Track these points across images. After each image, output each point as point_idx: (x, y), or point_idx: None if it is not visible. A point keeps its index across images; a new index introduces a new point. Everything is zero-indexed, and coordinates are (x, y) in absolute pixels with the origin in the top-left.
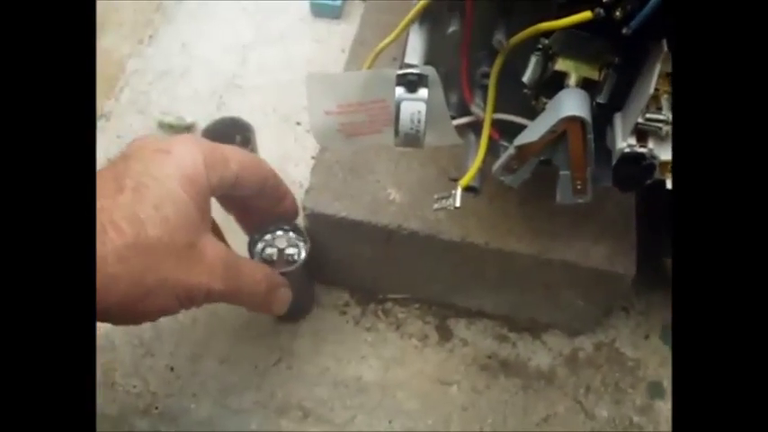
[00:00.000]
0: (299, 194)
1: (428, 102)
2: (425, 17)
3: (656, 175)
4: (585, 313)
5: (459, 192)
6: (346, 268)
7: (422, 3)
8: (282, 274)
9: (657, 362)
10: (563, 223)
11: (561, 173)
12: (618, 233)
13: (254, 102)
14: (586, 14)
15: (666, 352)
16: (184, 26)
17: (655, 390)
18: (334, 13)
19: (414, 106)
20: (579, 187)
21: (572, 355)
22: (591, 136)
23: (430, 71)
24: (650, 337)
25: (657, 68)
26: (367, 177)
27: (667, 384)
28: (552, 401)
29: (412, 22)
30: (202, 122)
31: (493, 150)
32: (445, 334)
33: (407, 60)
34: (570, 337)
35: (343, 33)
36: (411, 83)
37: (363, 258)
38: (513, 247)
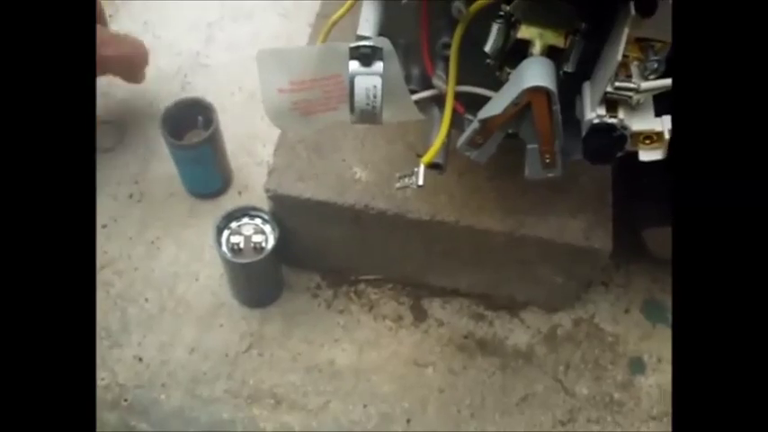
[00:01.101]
0: (265, 177)
1: (384, 75)
2: None
3: (628, 146)
4: (564, 289)
5: (421, 169)
6: (316, 250)
7: None
8: (251, 264)
9: (638, 336)
10: (537, 198)
11: (528, 146)
12: (594, 207)
13: (219, 80)
14: None
15: (647, 326)
16: (146, 4)
17: (635, 365)
18: None
19: (369, 81)
20: (548, 161)
21: (551, 332)
22: (557, 107)
23: (384, 43)
24: (630, 311)
25: (625, 33)
26: (332, 156)
27: (648, 359)
28: (531, 380)
29: None
30: (166, 102)
31: (458, 124)
32: (420, 314)
33: (360, 32)
34: (548, 314)
35: (311, 7)
36: (365, 56)
37: (332, 239)
38: (486, 225)
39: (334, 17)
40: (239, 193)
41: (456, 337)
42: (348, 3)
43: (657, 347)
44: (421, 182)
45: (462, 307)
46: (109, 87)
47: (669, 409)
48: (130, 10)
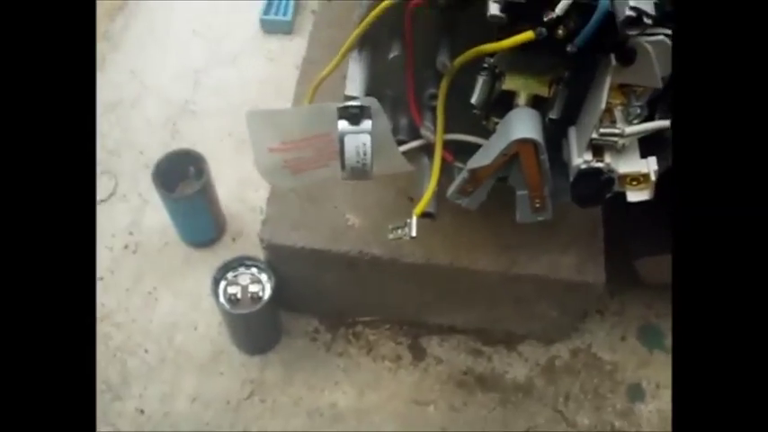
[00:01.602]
0: (258, 222)
1: (372, 132)
2: (365, 44)
3: (616, 188)
4: (560, 322)
5: (414, 221)
6: (312, 295)
7: (356, 32)
8: (249, 314)
9: (635, 363)
10: (529, 235)
11: (518, 193)
12: (585, 241)
13: (208, 127)
14: (528, 35)
15: (644, 352)
16: (132, 53)
17: (634, 392)
18: (286, 29)
19: (358, 139)
20: (538, 205)
21: (549, 364)
22: (545, 156)
23: (371, 102)
24: (627, 339)
25: (607, 82)
26: (324, 204)
27: (646, 386)
28: (532, 413)
29: (350, 50)
30: (157, 153)
31: (448, 172)
32: (418, 353)
33: (347, 92)
34: (546, 346)
35: (297, 49)
36: (353, 116)
37: (329, 285)
38: (480, 265)
39: (320, 77)
40: (233, 239)
41: (455, 373)
42: (334, 61)
43: (655, 373)
44: (414, 233)
45: (460, 343)
46: (100, 137)
47: None
48: (116, 58)
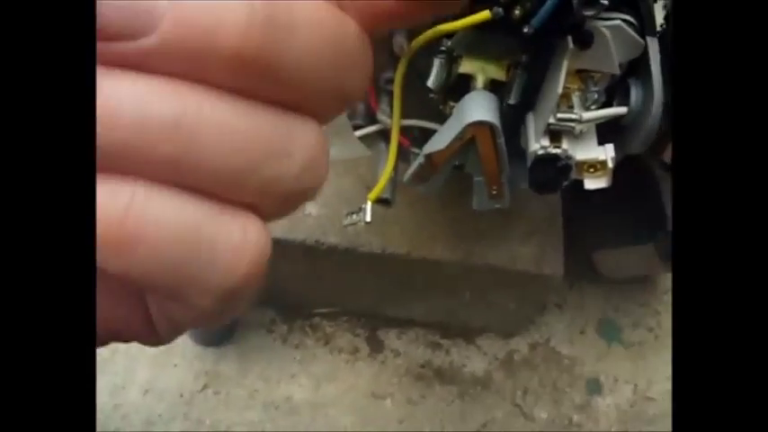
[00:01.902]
0: None
1: None
2: None
3: (573, 175)
4: (518, 314)
5: (368, 206)
6: (269, 285)
7: None
8: None
9: (594, 357)
10: (488, 224)
11: (475, 179)
12: (544, 232)
13: None
14: (484, 14)
15: (602, 346)
16: None
17: (592, 386)
18: None
19: None
20: (495, 192)
21: (507, 357)
22: (501, 140)
23: None
24: (586, 332)
25: (564, 66)
26: None
27: (604, 380)
28: (490, 407)
29: None
30: None
31: (405, 157)
32: (376, 345)
33: None
34: (505, 339)
35: None
36: None
37: (285, 275)
38: (438, 255)
39: None
40: None
41: (413, 366)
42: None
43: (613, 367)
44: (368, 218)
45: (418, 336)
46: None
47: (627, 427)
48: None
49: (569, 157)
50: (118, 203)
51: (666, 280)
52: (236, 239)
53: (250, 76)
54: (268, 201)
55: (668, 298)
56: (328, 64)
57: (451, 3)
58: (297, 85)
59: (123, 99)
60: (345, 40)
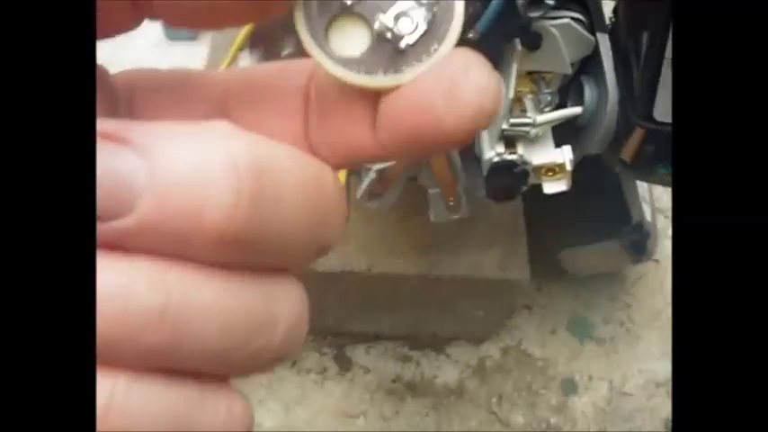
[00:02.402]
0: None
1: None
2: (257, 42)
3: (532, 180)
4: (487, 320)
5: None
6: None
7: (247, 28)
8: None
9: (567, 356)
10: (449, 234)
11: (430, 191)
12: (507, 237)
13: None
14: None
15: (575, 344)
16: None
17: (568, 386)
18: (190, 35)
19: None
20: (452, 204)
21: (479, 364)
22: (454, 151)
23: None
24: (557, 332)
25: (514, 69)
26: None
27: (579, 378)
28: (465, 416)
29: (241, 49)
30: None
31: (358, 174)
32: (344, 363)
33: None
34: (475, 346)
35: (203, 55)
36: None
37: None
38: (399, 269)
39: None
40: None
41: (384, 382)
42: (224, 62)
43: (587, 365)
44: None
45: (387, 350)
46: None
47: (605, 426)
48: None
49: (526, 163)
50: (99, 398)
51: (633, 272)
52: (221, 420)
53: (235, 251)
54: (251, 370)
55: (636, 290)
56: (310, 221)
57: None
58: (280, 250)
59: (104, 288)
60: (325, 193)
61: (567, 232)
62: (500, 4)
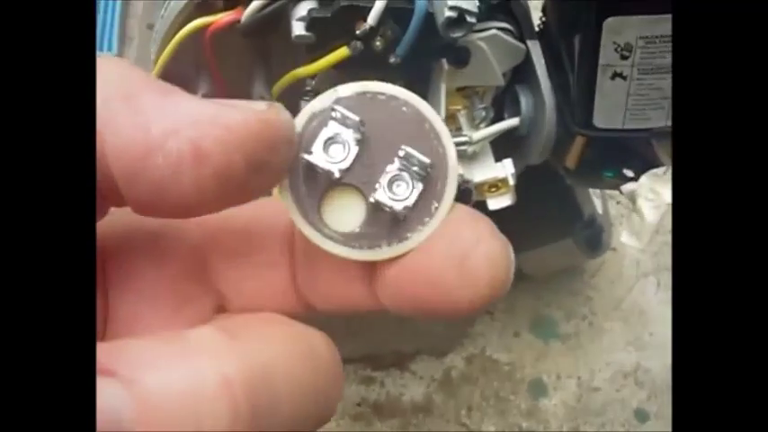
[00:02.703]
0: None
1: None
2: (171, 81)
3: (475, 197)
4: (449, 332)
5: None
6: None
7: (154, 72)
8: None
9: (533, 358)
10: None
11: None
12: None
13: None
14: (342, 52)
15: (539, 345)
16: None
17: (536, 388)
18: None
19: None
20: None
21: (445, 377)
22: None
23: None
24: (520, 334)
25: (442, 88)
26: None
27: (547, 379)
28: None
29: None
30: None
31: None
32: None
33: None
34: (439, 359)
35: None
36: None
37: None
38: None
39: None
40: None
41: (348, 406)
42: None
43: (554, 364)
44: None
45: (349, 374)
46: None
47: (577, 423)
48: None
49: (467, 181)
50: None
51: (592, 264)
52: None
53: None
54: None
55: (596, 281)
56: (311, 402)
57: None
58: None
59: None
60: (321, 366)
61: (519, 237)
62: (418, 26)
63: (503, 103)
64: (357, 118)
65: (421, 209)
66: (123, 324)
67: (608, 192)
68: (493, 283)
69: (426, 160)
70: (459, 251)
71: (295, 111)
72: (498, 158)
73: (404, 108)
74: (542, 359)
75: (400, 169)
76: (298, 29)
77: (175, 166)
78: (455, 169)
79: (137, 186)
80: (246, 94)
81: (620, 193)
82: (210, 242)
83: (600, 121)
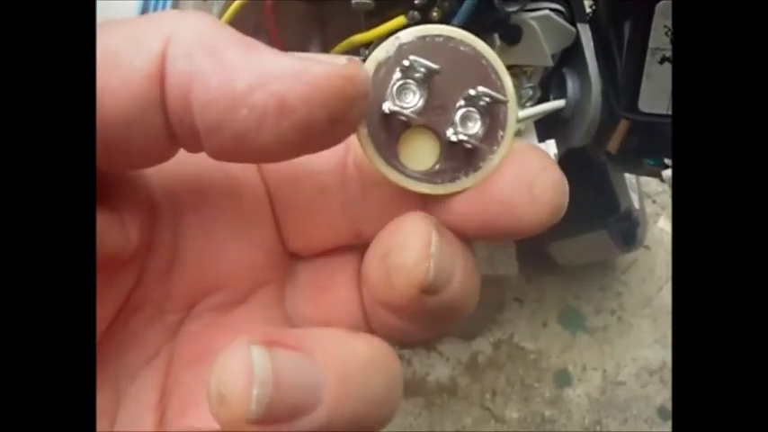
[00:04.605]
0: None
1: None
2: None
3: None
4: (477, 316)
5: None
6: None
7: (226, 18)
8: None
9: (559, 348)
10: None
11: None
12: None
13: None
14: (399, 20)
15: (567, 336)
16: None
17: (561, 378)
18: None
19: None
20: None
21: (471, 360)
22: None
23: None
24: (548, 324)
25: None
26: None
27: (572, 370)
28: (459, 414)
29: None
30: None
31: None
32: None
33: None
34: (467, 342)
35: None
36: None
37: None
38: None
39: None
40: None
41: None
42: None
43: (580, 356)
44: None
45: None
46: None
47: (600, 416)
48: None
49: None
50: None
51: (624, 259)
52: None
53: None
54: None
55: (627, 277)
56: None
57: None
58: None
59: None
60: (394, 379)
61: (554, 225)
62: (474, 0)
63: (549, 85)
64: (425, 62)
65: (489, 139)
66: (193, 250)
67: (645, 190)
68: (556, 206)
69: (496, 95)
70: (528, 177)
71: None
72: (542, 139)
73: (461, 47)
74: (569, 350)
75: (468, 105)
76: None
77: (259, 118)
78: (513, 98)
79: (220, 136)
80: None
81: (661, 180)
82: (272, 176)
83: (645, 105)
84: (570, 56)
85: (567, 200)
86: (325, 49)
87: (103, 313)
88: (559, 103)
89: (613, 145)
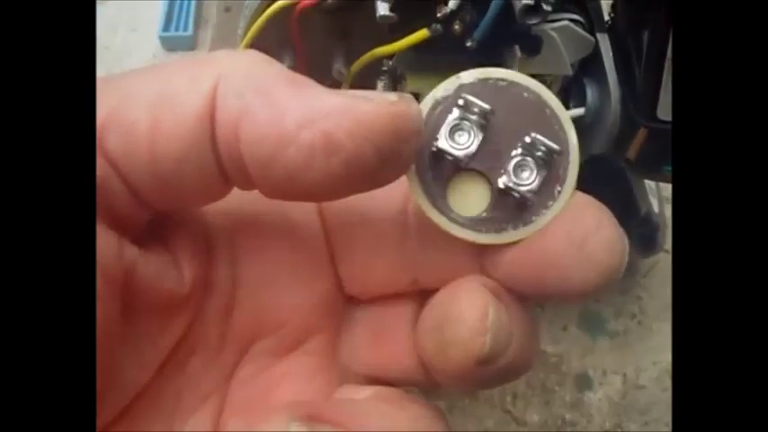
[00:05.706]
0: None
1: None
2: None
3: None
4: None
5: None
6: None
7: (242, 45)
8: None
9: (580, 352)
10: None
11: None
12: None
13: None
14: (422, 33)
15: (587, 340)
16: None
17: (582, 382)
18: (188, 45)
19: None
20: None
21: None
22: None
23: None
24: (568, 328)
25: None
26: None
27: (593, 374)
28: (480, 417)
29: None
30: None
31: None
32: None
33: None
34: None
35: None
36: None
37: None
38: None
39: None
40: None
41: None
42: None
43: (601, 360)
44: None
45: None
46: None
47: (620, 419)
48: None
49: None
50: None
51: (644, 263)
52: None
53: None
54: None
55: (647, 282)
56: None
57: None
58: None
59: None
60: None
61: None
62: (496, 12)
63: (569, 93)
64: (483, 104)
65: (544, 193)
66: (250, 293)
67: (664, 194)
68: (609, 268)
69: (554, 146)
70: (581, 235)
71: (372, 89)
72: None
73: (525, 94)
74: (589, 354)
75: (524, 154)
76: (382, 9)
77: (308, 156)
78: (577, 154)
79: (269, 173)
80: (326, 71)
81: None
82: (333, 220)
83: (663, 113)
84: (589, 65)
85: (623, 260)
86: (349, 61)
87: (154, 354)
88: (579, 111)
89: (632, 152)
